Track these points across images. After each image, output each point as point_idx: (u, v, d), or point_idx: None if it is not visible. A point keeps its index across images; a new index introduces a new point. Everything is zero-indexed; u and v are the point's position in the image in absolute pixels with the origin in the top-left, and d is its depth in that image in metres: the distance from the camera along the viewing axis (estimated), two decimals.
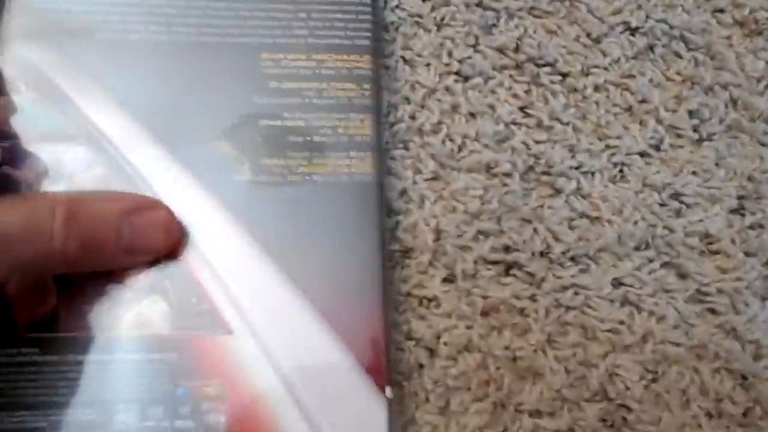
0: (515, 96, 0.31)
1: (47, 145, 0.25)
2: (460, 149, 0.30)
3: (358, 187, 0.26)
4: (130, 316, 0.23)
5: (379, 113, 0.27)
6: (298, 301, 0.24)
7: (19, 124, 0.25)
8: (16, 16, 0.27)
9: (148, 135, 0.26)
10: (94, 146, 0.25)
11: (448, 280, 0.28)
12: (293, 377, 0.23)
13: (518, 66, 0.31)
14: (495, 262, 0.28)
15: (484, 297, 0.27)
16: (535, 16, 0.33)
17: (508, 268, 0.28)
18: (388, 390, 0.23)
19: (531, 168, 0.30)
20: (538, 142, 0.30)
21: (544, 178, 0.29)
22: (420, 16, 0.32)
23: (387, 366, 0.24)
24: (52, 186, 0.25)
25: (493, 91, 0.31)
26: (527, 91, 0.31)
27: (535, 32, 0.32)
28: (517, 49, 0.32)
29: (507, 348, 0.27)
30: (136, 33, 0.27)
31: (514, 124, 0.30)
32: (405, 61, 0.31)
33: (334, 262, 0.25)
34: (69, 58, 0.26)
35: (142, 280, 0.24)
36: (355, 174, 0.26)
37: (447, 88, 0.31)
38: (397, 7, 0.32)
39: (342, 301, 0.24)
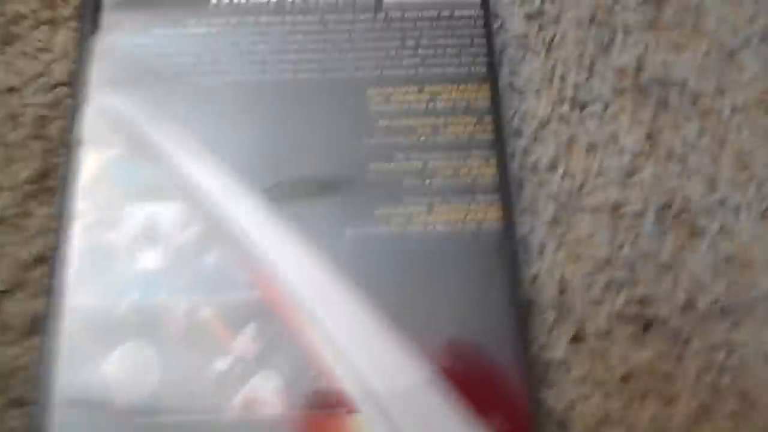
0: (640, 122, 0.27)
1: (141, 204, 0.23)
2: (581, 187, 0.26)
3: (486, 236, 0.23)
4: (240, 395, 0.21)
5: (503, 150, 0.24)
6: (429, 375, 0.21)
7: (111, 182, 0.24)
8: (101, 62, 0.25)
9: (248, 187, 0.23)
10: (190, 202, 0.23)
11: (578, 339, 0.24)
12: None
13: (641, 88, 0.28)
14: (631, 318, 0.25)
15: (622, 360, 0.24)
16: (657, 29, 0.29)
17: (647, 324, 0.25)
18: None
19: (665, 206, 0.26)
20: (671, 176, 0.26)
21: (682, 217, 0.26)
22: (526, 37, 0.29)
23: None
24: (149, 247, 0.23)
25: (614, 119, 0.27)
26: (654, 117, 0.27)
27: (658, 48, 0.29)
28: (639, 70, 0.28)
29: (653, 420, 0.23)
30: (229, 75, 0.25)
31: (642, 155, 0.27)
32: (513, 88, 0.28)
33: (466, 326, 0.22)
34: (160, 106, 0.24)
35: (250, 353, 0.21)
36: (482, 221, 0.23)
37: (562, 118, 0.27)
38: (500, 27, 0.29)
39: (478, 372, 0.21)
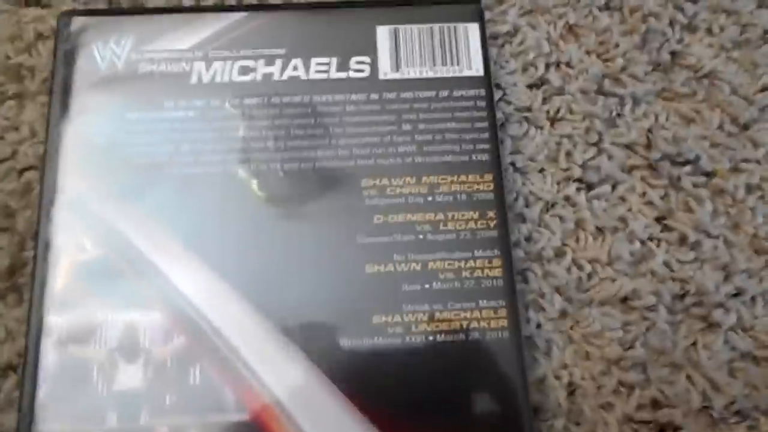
0: (650, 204, 0.26)
1: (119, 314, 0.21)
2: (589, 277, 0.25)
3: (491, 345, 0.21)
4: None
5: (509, 249, 0.23)
6: None
7: (86, 289, 0.22)
8: (72, 150, 0.23)
9: (237, 296, 0.22)
10: (172, 311, 0.21)
11: None
12: None
13: (652, 166, 0.26)
14: (644, 422, 0.23)
15: None
16: (667, 100, 0.27)
17: (661, 429, 0.23)
18: None
19: (678, 297, 0.25)
20: (683, 263, 0.25)
21: (695, 310, 0.24)
22: (529, 110, 0.27)
23: None
24: (128, 364, 0.21)
25: (623, 199, 0.26)
26: (664, 197, 0.26)
27: (668, 120, 0.27)
28: (649, 145, 0.26)
29: None
30: (211, 165, 0.23)
31: (652, 240, 0.25)
32: (515, 168, 0.26)
33: None
34: (136, 201, 0.22)
35: None
36: (487, 329, 0.22)
37: (568, 199, 0.26)
38: (501, 100, 0.27)
39: None
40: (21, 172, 0.25)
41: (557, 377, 0.23)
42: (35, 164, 0.25)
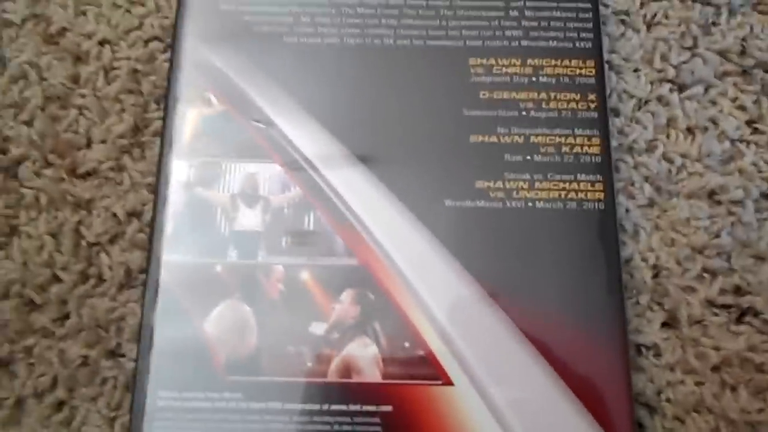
0: (742, 108, 0.26)
1: (239, 163, 0.23)
2: (678, 171, 0.26)
3: (587, 215, 0.23)
4: (337, 360, 0.21)
5: (607, 129, 0.24)
6: (525, 349, 0.21)
7: (211, 140, 0.23)
8: (198, 18, 0.25)
9: (348, 153, 0.23)
10: (289, 165, 0.23)
11: (670, 325, 0.24)
12: None
13: (744, 72, 0.27)
14: (725, 307, 0.24)
15: (715, 348, 0.24)
16: (762, 13, 0.28)
17: (741, 314, 0.24)
18: None
19: (765, 195, 0.25)
20: None
21: None
22: (627, 14, 0.28)
23: (633, 427, 0.21)
24: (247, 208, 0.23)
25: (714, 102, 0.27)
26: (756, 102, 0.27)
27: (762, 31, 0.27)
28: (742, 53, 0.27)
29: (743, 411, 0.23)
30: (328, 37, 0.24)
31: (742, 141, 0.26)
32: (611, 66, 0.27)
33: (565, 303, 0.22)
34: (258, 64, 0.24)
35: (348, 319, 0.21)
36: (584, 200, 0.23)
37: (660, 99, 0.27)
38: (599, 2, 0.28)
39: (575, 349, 0.21)
40: (147, 42, 0.27)
41: (644, 259, 0.24)
42: (160, 35, 0.27)
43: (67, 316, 0.24)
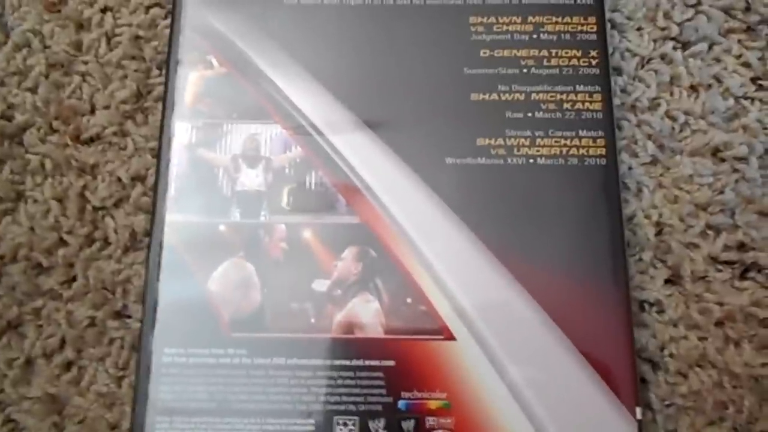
0: (746, 65, 0.26)
1: (241, 124, 0.23)
2: (682, 129, 0.25)
3: (589, 171, 0.22)
4: (340, 316, 0.21)
5: (609, 86, 0.23)
6: (526, 303, 0.21)
7: (212, 102, 0.23)
8: None
9: (349, 112, 0.23)
10: (290, 125, 0.23)
11: (673, 282, 0.24)
12: (526, 392, 0.20)
13: (749, 29, 0.27)
14: (729, 263, 0.24)
15: (718, 303, 0.24)
16: None
17: (745, 270, 0.24)
18: (638, 411, 0.20)
19: None
20: None
21: None
22: None
23: (636, 382, 0.21)
24: (249, 168, 0.23)
25: (718, 60, 0.26)
26: (761, 59, 0.26)
27: None
28: (747, 9, 0.27)
29: (747, 365, 0.23)
30: None
31: (746, 98, 0.26)
32: (613, 25, 0.27)
33: (567, 259, 0.22)
34: (259, 25, 0.24)
35: (350, 276, 0.22)
36: (585, 156, 0.23)
37: (664, 57, 0.26)
38: None
39: (577, 304, 0.21)
40: (148, 8, 0.27)
41: (647, 216, 0.24)
42: (161, 2, 0.27)
43: (74, 279, 0.24)
